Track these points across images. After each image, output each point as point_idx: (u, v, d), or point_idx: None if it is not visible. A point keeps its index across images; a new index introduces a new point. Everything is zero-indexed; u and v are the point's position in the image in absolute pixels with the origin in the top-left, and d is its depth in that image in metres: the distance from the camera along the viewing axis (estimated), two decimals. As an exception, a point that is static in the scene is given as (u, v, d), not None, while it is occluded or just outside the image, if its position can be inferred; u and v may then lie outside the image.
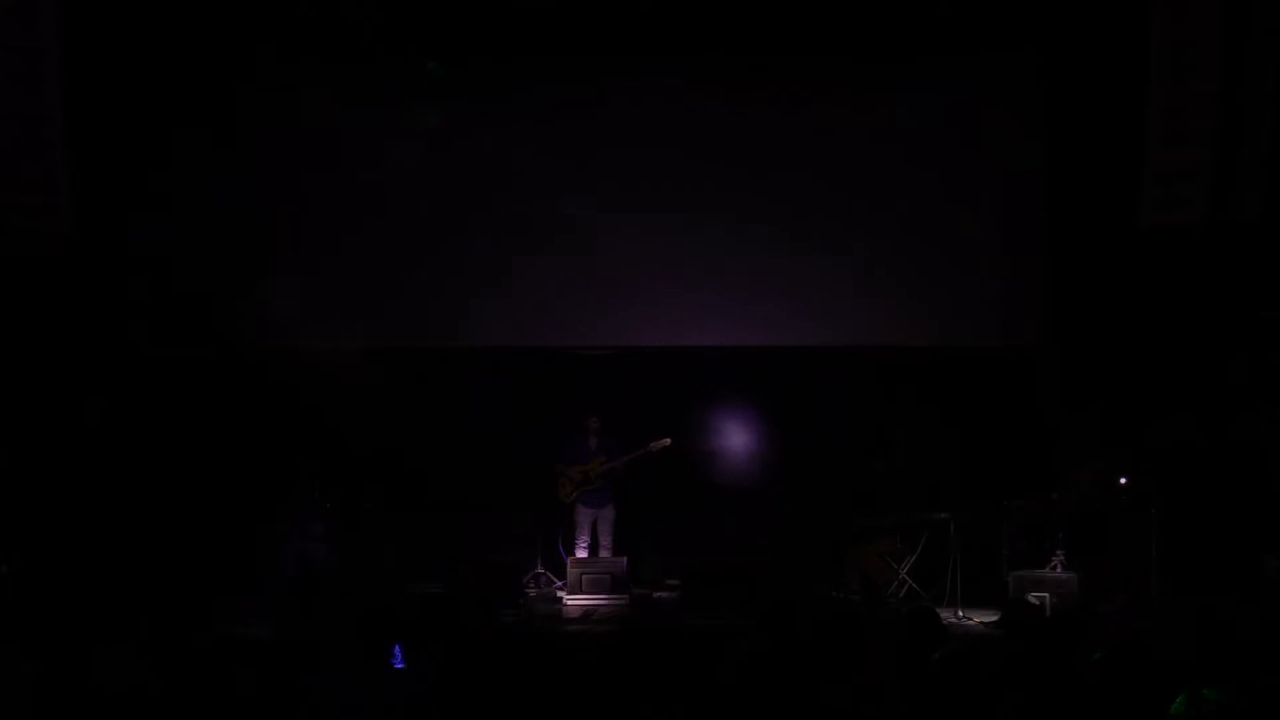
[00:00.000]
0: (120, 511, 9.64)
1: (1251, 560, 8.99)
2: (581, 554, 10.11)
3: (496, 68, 10.54)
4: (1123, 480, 9.52)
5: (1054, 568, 9.36)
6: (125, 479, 9.82)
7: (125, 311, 10.03)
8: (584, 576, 9.48)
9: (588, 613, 9.17)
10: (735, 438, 10.75)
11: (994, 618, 8.64)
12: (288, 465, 10.03)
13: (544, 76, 10.59)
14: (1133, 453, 10.00)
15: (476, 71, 10.59)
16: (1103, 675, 4.27)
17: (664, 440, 10.08)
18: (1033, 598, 8.97)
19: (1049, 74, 10.49)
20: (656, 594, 10.08)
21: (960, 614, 9.00)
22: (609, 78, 10.65)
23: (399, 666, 5.07)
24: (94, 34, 9.38)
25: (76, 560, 9.08)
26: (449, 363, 10.79)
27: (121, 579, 8.86)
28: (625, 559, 9.79)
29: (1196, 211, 9.21)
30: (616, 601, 9.33)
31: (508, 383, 10.75)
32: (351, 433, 10.25)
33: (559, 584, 9.99)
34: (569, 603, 9.38)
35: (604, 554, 10.09)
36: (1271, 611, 7.69)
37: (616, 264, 10.73)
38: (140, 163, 10.00)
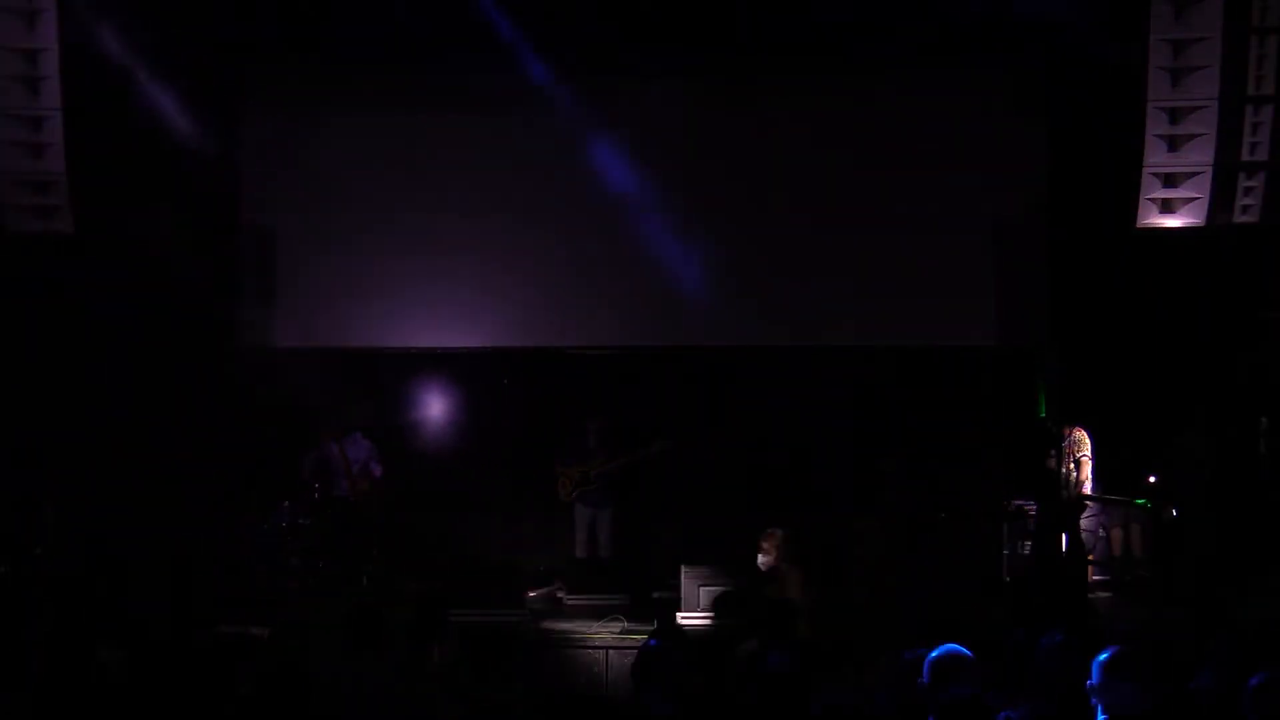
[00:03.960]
0: (119, 509, 9.65)
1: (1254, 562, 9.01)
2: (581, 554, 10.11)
3: (495, 66, 10.54)
4: (1151, 479, 9.54)
5: None
6: (125, 477, 9.83)
7: (126, 311, 10.02)
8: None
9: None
10: (734, 438, 10.74)
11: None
12: (287, 465, 10.04)
13: (543, 75, 10.58)
14: (1132, 453, 10.03)
15: (476, 70, 10.59)
16: None
17: (665, 442, 10.07)
18: None
19: (1049, 74, 10.49)
20: (656, 594, 10.07)
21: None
22: (608, 76, 10.64)
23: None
24: (94, 34, 9.37)
25: (76, 557, 9.09)
26: (449, 363, 10.78)
27: (121, 577, 8.87)
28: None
29: (1196, 212, 9.22)
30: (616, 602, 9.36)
31: (508, 383, 10.74)
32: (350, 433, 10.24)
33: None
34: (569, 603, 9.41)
35: (603, 554, 10.08)
36: None
37: (616, 264, 10.73)
38: (140, 162, 10.00)
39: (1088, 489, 9.73)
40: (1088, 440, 9.74)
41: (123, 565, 9.05)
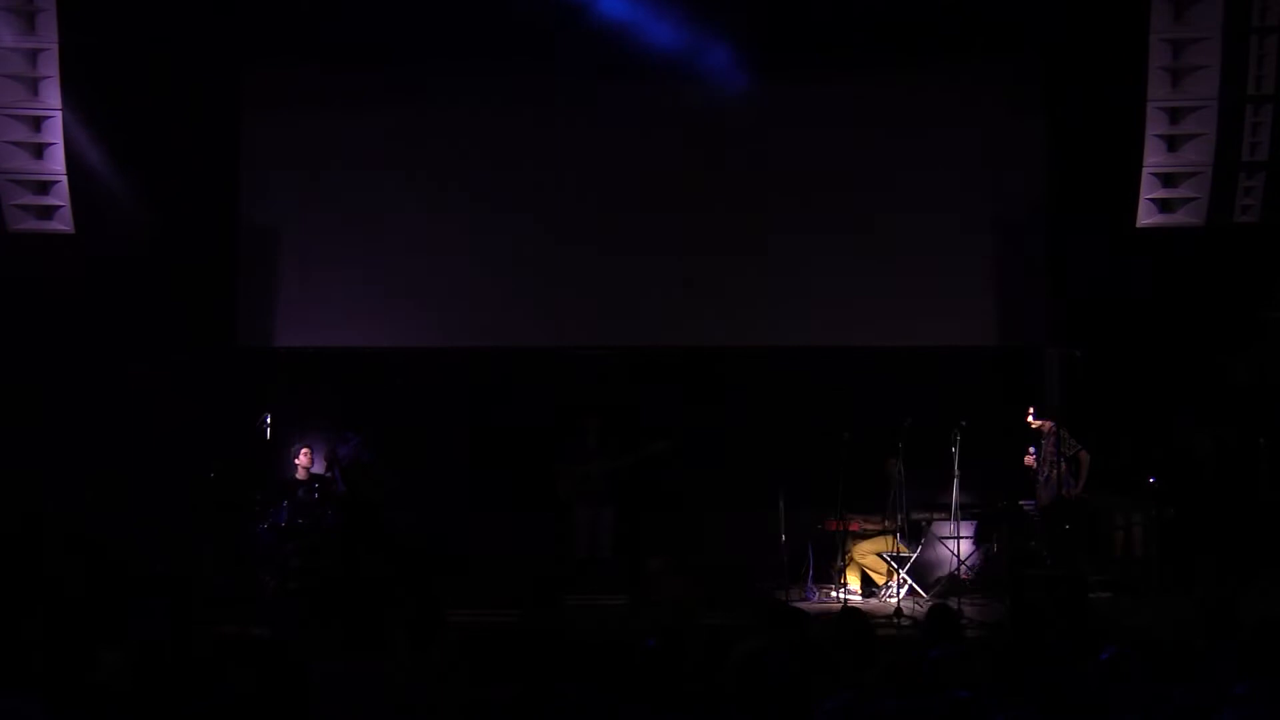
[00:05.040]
0: (119, 509, 9.66)
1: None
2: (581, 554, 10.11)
3: (495, 67, 10.55)
4: (1152, 479, 9.56)
5: None
6: (125, 477, 9.83)
7: (126, 311, 10.04)
8: None
9: None
10: (734, 438, 10.73)
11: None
12: (287, 465, 10.04)
13: (544, 75, 10.59)
14: (1132, 453, 10.03)
15: (474, 71, 10.59)
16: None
17: (664, 441, 10.06)
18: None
19: (1049, 74, 10.50)
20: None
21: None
22: (608, 78, 10.65)
23: None
24: (94, 34, 9.39)
25: (76, 557, 9.09)
26: (449, 363, 10.79)
27: (120, 578, 8.87)
28: None
29: (1196, 212, 9.22)
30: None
31: (508, 383, 10.75)
32: (352, 432, 10.24)
33: None
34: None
35: (603, 554, 10.07)
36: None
37: (617, 264, 10.74)
38: (140, 163, 10.01)
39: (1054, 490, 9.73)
40: (1068, 437, 9.71)
41: (123, 565, 9.05)
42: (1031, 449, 10.03)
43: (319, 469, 10.07)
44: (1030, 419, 9.91)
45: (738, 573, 9.69)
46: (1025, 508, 10.00)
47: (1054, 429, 9.65)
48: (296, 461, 9.99)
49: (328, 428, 10.23)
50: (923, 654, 4.56)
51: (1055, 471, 9.59)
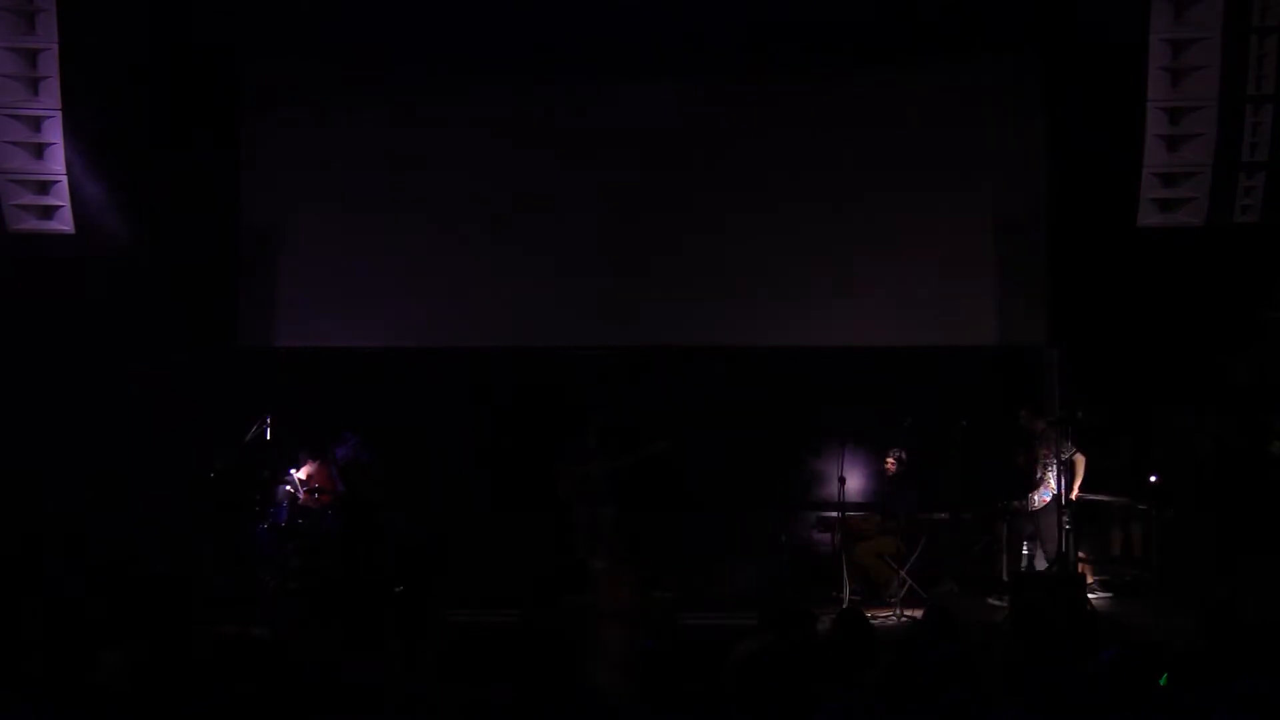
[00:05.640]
0: (119, 509, 9.66)
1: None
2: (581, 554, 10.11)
3: (495, 67, 10.55)
4: (1152, 478, 9.57)
5: None
6: (125, 477, 9.83)
7: (126, 311, 10.04)
8: None
9: None
10: (734, 438, 10.74)
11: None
12: (286, 465, 10.04)
13: (544, 74, 10.59)
14: (1132, 453, 10.03)
15: (474, 71, 10.59)
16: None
17: (664, 441, 10.06)
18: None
19: (1049, 74, 10.50)
20: (656, 594, 10.06)
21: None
22: (610, 78, 10.66)
23: None
24: (94, 34, 9.38)
25: (76, 557, 9.09)
26: (449, 363, 10.79)
27: (121, 579, 8.86)
28: None
29: (1196, 212, 9.22)
30: None
31: (508, 383, 10.76)
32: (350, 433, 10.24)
33: None
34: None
35: (604, 553, 10.07)
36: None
37: (616, 264, 10.74)
38: (140, 163, 10.01)
39: (1047, 491, 9.70)
40: (1064, 439, 9.73)
41: (123, 565, 9.04)
42: (1026, 449, 10.03)
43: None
44: (1025, 420, 9.90)
45: (727, 573, 9.72)
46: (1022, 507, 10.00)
47: (1048, 429, 9.66)
48: (305, 469, 9.96)
49: (327, 428, 10.22)
50: (923, 654, 4.56)
51: (1049, 473, 9.58)
